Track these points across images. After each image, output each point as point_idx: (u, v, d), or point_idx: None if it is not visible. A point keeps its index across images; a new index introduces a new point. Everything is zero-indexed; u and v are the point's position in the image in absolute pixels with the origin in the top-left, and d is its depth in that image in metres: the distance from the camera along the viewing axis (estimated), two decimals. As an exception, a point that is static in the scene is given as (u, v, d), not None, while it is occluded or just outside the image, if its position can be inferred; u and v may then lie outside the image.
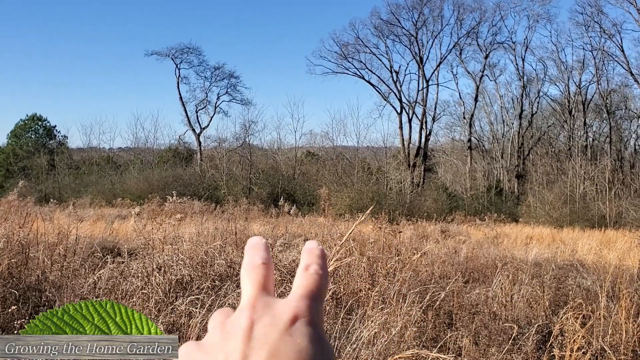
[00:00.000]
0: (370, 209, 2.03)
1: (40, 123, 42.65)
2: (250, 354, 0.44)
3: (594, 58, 41.08)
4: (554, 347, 4.68)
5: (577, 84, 42.16)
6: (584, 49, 41.83)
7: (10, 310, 4.76)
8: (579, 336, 4.50)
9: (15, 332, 4.27)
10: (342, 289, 6.07)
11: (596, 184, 34.78)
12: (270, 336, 0.45)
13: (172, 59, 45.41)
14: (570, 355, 4.32)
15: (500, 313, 6.14)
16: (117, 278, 6.07)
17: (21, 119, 42.64)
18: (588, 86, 42.03)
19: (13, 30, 68.50)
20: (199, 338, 4.29)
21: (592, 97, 41.83)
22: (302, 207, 27.96)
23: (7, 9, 65.92)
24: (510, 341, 4.92)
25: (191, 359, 0.47)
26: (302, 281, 0.51)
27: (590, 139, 41.24)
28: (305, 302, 0.48)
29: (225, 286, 5.82)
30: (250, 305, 0.48)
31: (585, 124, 40.99)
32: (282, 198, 24.37)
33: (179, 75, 45.81)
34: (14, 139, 41.88)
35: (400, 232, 8.17)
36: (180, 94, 45.47)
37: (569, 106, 42.17)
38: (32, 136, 42.25)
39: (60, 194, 31.83)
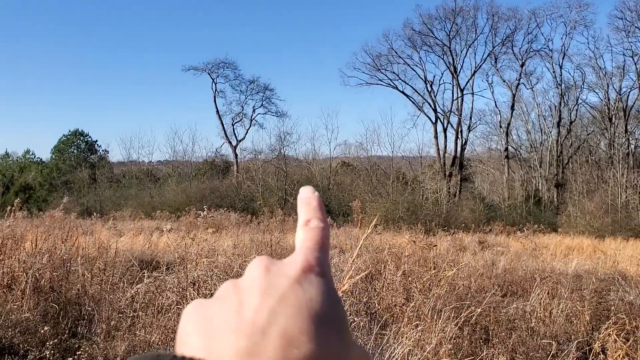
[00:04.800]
0: (374, 219, 2.01)
1: (82, 138, 43.82)
2: (261, 301, 0.43)
3: (635, 64, 40.09)
4: (594, 365, 4.56)
5: (617, 91, 41.13)
6: (624, 54, 40.88)
7: (43, 331, 4.85)
8: (621, 354, 4.37)
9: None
10: (377, 304, 6.04)
11: (639, 193, 33.77)
12: (281, 285, 0.44)
13: (209, 73, 46.24)
14: (611, 373, 4.20)
15: (539, 329, 6.01)
16: (153, 292, 6.17)
17: (64, 135, 43.95)
18: (629, 92, 41.01)
19: (56, 50, 70.74)
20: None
21: (634, 103, 40.77)
22: (337, 217, 27.92)
23: (50, 26, 68.21)
24: (549, 358, 4.82)
25: (202, 310, 0.46)
26: (306, 235, 0.51)
27: (632, 147, 40.10)
28: (313, 254, 0.48)
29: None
30: (264, 262, 0.48)
31: (626, 131, 39.90)
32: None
33: (216, 90, 46.60)
34: (57, 154, 43.10)
35: (434, 246, 8.09)
36: (217, 108, 46.27)
37: (609, 113, 41.13)
38: (75, 151, 43.42)
39: (101, 207, 32.54)
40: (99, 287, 6.55)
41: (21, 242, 7.15)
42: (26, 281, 6.05)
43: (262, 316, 0.42)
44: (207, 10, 72.05)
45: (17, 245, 6.96)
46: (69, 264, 6.81)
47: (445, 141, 42.52)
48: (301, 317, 0.42)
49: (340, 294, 1.89)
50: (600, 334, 5.22)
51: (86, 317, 5.79)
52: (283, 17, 72.50)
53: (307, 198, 0.54)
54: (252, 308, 0.43)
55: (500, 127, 44.42)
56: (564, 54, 42.76)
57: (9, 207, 9.91)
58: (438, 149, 42.13)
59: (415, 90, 43.98)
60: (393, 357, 3.86)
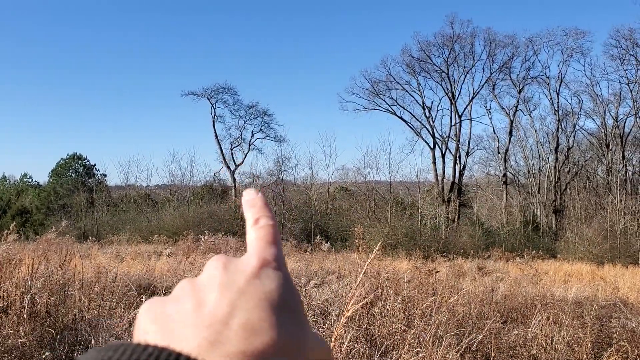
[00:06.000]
0: (379, 244, 2.01)
1: (80, 162, 43.84)
2: (220, 296, 0.44)
3: (631, 91, 40.49)
4: (598, 394, 4.50)
5: (614, 117, 41.47)
6: (620, 82, 41.33)
7: (44, 357, 4.79)
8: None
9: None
10: (377, 331, 5.98)
11: (637, 219, 33.75)
12: (239, 280, 0.45)
13: (208, 98, 46.49)
14: (615, 402, 4.15)
15: (540, 356, 5.95)
16: (151, 317, 6.08)
17: (62, 158, 43.98)
18: (625, 119, 41.36)
19: (54, 74, 71.22)
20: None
21: (630, 130, 41.08)
22: (335, 242, 27.83)
23: (48, 51, 68.78)
24: (551, 386, 4.75)
25: (159, 309, 0.45)
26: (257, 233, 0.52)
27: (630, 173, 40.23)
28: (267, 250, 0.50)
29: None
30: (221, 260, 0.49)
31: (623, 157, 40.08)
32: (316, 234, 24.30)
33: (215, 115, 46.82)
34: (55, 178, 43.07)
35: (437, 272, 8.04)
36: (215, 133, 46.43)
37: (606, 140, 41.38)
38: (73, 175, 43.40)
39: (98, 231, 32.37)
40: (96, 312, 6.48)
41: (18, 266, 7.09)
42: (22, 305, 5.98)
43: (223, 309, 0.43)
44: (207, 36, 72.83)
45: (14, 268, 6.90)
46: (65, 289, 6.74)
47: (444, 167, 42.70)
48: (261, 308, 0.43)
49: (344, 320, 1.87)
50: (603, 361, 5.17)
51: (83, 343, 5.71)
52: (282, 42, 73.31)
53: (252, 200, 0.58)
54: (212, 303, 0.44)
55: (499, 152, 44.60)
56: (561, 81, 43.21)
57: (5, 231, 9.86)
58: (436, 175, 42.23)
59: (414, 116, 44.29)
60: (395, 384, 3.81)
